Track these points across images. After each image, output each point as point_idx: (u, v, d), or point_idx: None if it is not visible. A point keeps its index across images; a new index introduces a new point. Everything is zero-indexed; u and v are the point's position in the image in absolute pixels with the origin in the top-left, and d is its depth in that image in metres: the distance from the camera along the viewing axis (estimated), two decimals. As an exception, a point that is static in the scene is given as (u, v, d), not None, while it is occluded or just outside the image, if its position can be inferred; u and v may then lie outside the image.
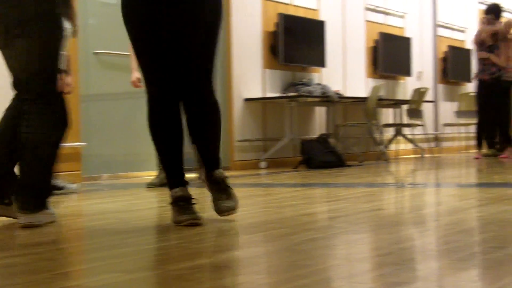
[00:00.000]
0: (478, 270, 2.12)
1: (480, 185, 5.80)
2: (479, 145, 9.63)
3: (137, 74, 5.77)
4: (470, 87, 12.93)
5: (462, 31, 13.11)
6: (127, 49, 7.38)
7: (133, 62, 5.84)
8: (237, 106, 8.31)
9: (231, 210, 3.28)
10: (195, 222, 3.13)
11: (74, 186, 5.57)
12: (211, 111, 3.35)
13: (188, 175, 3.39)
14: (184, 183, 3.29)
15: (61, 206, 4.41)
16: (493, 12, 9.77)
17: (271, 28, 8.79)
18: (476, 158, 9.41)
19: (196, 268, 2.26)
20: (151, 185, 5.87)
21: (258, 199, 4.76)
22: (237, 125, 8.29)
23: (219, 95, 8.15)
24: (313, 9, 9.54)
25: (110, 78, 7.31)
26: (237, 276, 2.19)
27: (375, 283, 2.03)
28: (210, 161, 3.39)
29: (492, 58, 9.46)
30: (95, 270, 2.34)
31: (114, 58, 7.27)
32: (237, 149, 8.28)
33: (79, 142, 6.58)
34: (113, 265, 2.38)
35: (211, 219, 3.34)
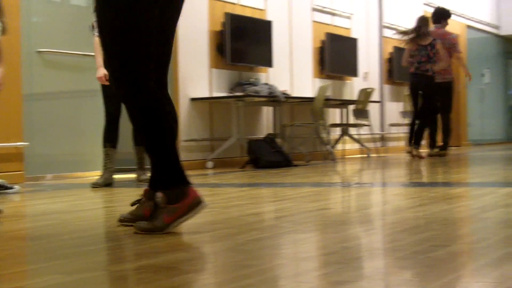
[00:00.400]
0: (421, 269, 2.14)
1: (424, 184, 5.87)
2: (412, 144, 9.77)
3: (103, 70, 5.70)
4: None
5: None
6: (71, 48, 7.31)
7: (99, 59, 5.76)
8: (184, 106, 8.27)
9: (142, 230, 3.04)
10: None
11: (16, 187, 5.47)
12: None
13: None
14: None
15: (3, 207, 4.32)
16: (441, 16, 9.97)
17: (218, 27, 8.77)
18: (414, 157, 9.49)
19: (141, 269, 2.24)
20: (95, 185, 5.80)
21: (205, 199, 4.73)
22: (183, 125, 8.24)
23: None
24: (260, 9, 9.55)
25: (53, 77, 7.20)
26: (182, 276, 2.17)
27: (319, 282, 2.03)
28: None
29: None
30: (37, 272, 2.30)
31: (58, 57, 7.17)
32: (184, 149, 8.23)
33: (22, 141, 6.47)
34: (55, 266, 2.34)
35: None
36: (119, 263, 2.38)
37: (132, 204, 3.22)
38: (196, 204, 3.02)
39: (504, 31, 17.86)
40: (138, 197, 3.23)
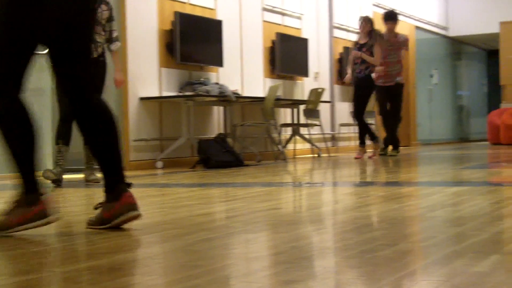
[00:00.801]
0: (368, 267, 2.14)
1: (374, 183, 5.91)
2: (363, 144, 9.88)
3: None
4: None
5: (357, 33, 13.33)
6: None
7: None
8: (133, 105, 8.20)
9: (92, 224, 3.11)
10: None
11: None
12: None
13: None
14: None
15: None
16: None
17: (168, 26, 8.72)
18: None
19: (86, 270, 2.20)
20: (46, 177, 5.74)
21: (154, 199, 4.70)
22: (132, 125, 8.17)
23: (114, 94, 8.05)
24: (210, 8, 9.52)
25: None
26: (129, 277, 2.14)
27: (268, 282, 2.02)
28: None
29: (364, 56, 9.67)
30: (-22, 275, 2.25)
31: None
32: (133, 149, 8.17)
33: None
34: (-2, 268, 2.29)
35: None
36: (65, 264, 2.34)
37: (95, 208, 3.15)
38: (42, 216, 2.95)
39: (452, 32, 18.12)
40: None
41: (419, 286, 1.92)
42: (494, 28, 16.42)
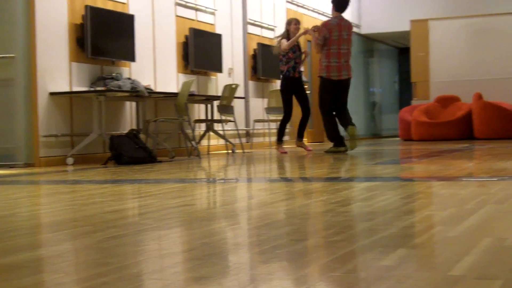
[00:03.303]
0: (279, 263, 2.15)
1: (287, 179, 5.94)
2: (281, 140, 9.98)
3: None
4: (280, 84, 13.28)
5: (271, 29, 13.44)
6: None
7: None
8: (42, 100, 8.02)
9: None
10: None
11: None
12: None
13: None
14: None
15: None
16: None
17: (78, 20, 8.56)
18: (284, 153, 9.71)
19: (-10, 270, 2.13)
20: None
21: (64, 196, 4.60)
22: (42, 120, 8.00)
23: (23, 88, 7.86)
24: (122, 3, 9.40)
25: None
26: (36, 275, 2.08)
27: (176, 278, 2.00)
28: None
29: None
30: None
31: None
32: (43, 145, 7.99)
33: None
34: None
35: (12, 216, 3.18)
36: (-32, 265, 2.26)
37: None
38: None
39: (364, 30, 18.42)
40: None
41: (327, 280, 1.93)
42: (405, 26, 16.78)
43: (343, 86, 9.65)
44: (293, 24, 9.95)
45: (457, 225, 2.78)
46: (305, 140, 11.28)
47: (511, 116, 14.10)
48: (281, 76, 10.01)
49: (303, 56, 10.01)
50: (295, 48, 9.88)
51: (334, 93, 9.61)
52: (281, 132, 10.07)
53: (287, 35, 9.91)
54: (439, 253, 2.33)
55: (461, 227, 2.74)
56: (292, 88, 9.92)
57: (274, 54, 10.28)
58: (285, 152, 9.81)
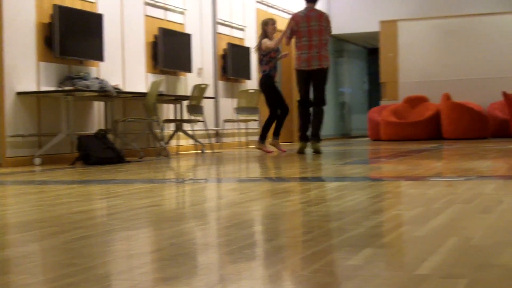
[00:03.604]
0: (246, 263, 2.14)
1: (256, 180, 5.94)
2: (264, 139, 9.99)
3: None
4: (250, 84, 13.30)
5: (241, 29, 13.43)
6: None
7: None
8: (9, 100, 7.94)
9: None
10: None
11: None
12: None
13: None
14: None
15: None
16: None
17: (46, 19, 8.49)
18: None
19: (-47, 272, 2.11)
20: None
21: (30, 196, 4.56)
22: (9, 120, 7.92)
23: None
24: (91, 2, 9.33)
25: None
26: (1, 276, 2.06)
27: (145, 279, 1.98)
28: None
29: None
30: None
31: None
32: (9, 145, 7.91)
33: None
34: None
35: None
36: None
37: None
38: None
39: (334, 31, 18.32)
40: None
41: (295, 280, 1.93)
42: (374, 27, 16.86)
43: (314, 76, 9.67)
44: (270, 24, 9.94)
45: (424, 224, 2.80)
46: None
47: (478, 116, 14.24)
48: (262, 76, 9.94)
49: (280, 54, 10.09)
50: (276, 48, 9.90)
51: (306, 84, 9.64)
52: (265, 132, 10.03)
53: (265, 35, 9.91)
54: (406, 252, 2.34)
55: (428, 226, 2.75)
56: (272, 86, 9.94)
57: (258, 53, 10.10)
58: (271, 152, 9.78)
